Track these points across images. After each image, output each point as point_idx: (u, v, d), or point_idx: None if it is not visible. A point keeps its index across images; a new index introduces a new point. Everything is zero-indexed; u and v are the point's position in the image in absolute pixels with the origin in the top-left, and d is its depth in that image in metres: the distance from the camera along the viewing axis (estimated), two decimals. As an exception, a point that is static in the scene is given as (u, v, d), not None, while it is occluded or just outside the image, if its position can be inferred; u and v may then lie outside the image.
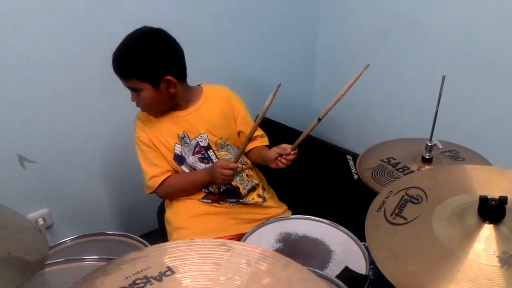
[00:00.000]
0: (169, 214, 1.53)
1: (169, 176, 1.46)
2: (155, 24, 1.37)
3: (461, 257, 0.80)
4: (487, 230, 0.83)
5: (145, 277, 0.66)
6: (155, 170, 1.45)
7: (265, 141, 1.56)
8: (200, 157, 1.47)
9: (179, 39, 1.39)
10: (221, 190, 1.48)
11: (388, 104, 2.10)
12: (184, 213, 1.49)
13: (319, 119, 1.29)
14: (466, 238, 0.83)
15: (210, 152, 1.47)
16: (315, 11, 2.26)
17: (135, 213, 1.95)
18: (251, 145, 1.54)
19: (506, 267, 0.78)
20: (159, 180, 1.45)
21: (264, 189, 1.57)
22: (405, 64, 1.98)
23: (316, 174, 1.85)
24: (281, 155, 1.37)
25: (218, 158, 1.48)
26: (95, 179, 1.89)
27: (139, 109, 1.47)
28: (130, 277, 0.67)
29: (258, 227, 1.33)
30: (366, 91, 2.16)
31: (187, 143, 1.46)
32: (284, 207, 1.59)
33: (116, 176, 1.93)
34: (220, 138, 1.49)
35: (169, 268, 0.68)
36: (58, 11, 1.59)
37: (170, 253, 0.72)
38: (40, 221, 1.80)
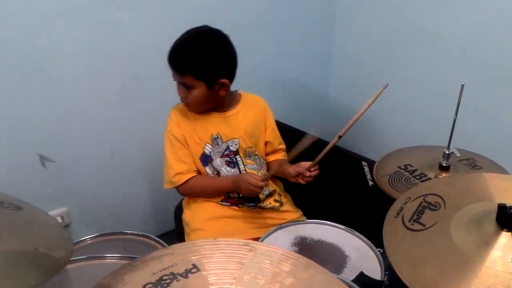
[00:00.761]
0: (187, 215, 1.55)
1: (194, 176, 1.47)
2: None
3: (478, 264, 0.81)
4: (505, 238, 0.84)
5: (172, 273, 0.69)
6: (182, 167, 1.46)
7: (285, 155, 1.59)
8: (228, 161, 1.48)
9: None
10: (241, 196, 1.49)
11: (405, 112, 2.10)
12: (202, 215, 1.51)
13: (340, 137, 1.28)
14: (483, 245, 0.84)
15: (238, 158, 1.49)
16: (331, 19, 2.29)
17: (152, 214, 1.98)
18: (272, 157, 1.58)
19: (523, 274, 0.78)
20: (184, 178, 1.46)
21: (280, 194, 1.59)
22: (423, 72, 1.98)
23: (331, 180, 1.85)
24: (299, 173, 1.35)
25: (244, 165, 1.49)
26: (112, 180, 1.92)
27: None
28: (157, 273, 0.69)
29: (274, 230, 1.34)
30: (382, 99, 2.17)
31: (218, 144, 1.47)
32: (300, 212, 1.60)
33: (133, 177, 1.96)
34: (250, 147, 1.51)
35: (194, 266, 0.70)
36: (80, 15, 1.63)
37: (195, 251, 0.74)
38: (59, 220, 1.83)
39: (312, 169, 1.34)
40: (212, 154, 1.48)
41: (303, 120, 1.92)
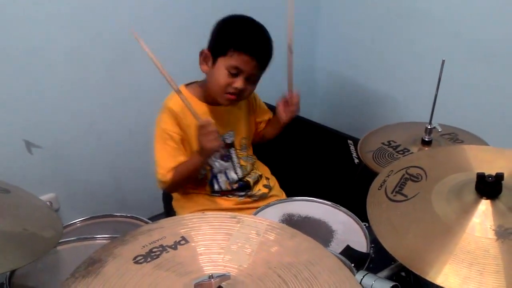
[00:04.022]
0: (178, 208, 1.54)
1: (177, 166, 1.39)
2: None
3: (459, 231, 0.84)
4: (484, 205, 0.87)
5: (161, 246, 0.70)
6: (169, 164, 1.38)
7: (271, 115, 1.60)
8: (221, 154, 1.45)
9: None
10: (234, 188, 1.48)
11: (388, 89, 2.12)
12: (192, 207, 1.48)
13: (290, 49, 1.37)
14: (463, 213, 0.87)
15: (232, 150, 1.48)
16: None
17: (141, 197, 1.99)
18: (263, 126, 1.59)
19: (501, 240, 0.82)
20: (169, 175, 1.38)
21: (268, 178, 1.59)
22: (405, 48, 2.00)
23: (317, 159, 1.89)
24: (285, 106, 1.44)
25: (238, 158, 1.48)
26: (100, 164, 1.92)
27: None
28: (146, 246, 0.70)
29: (261, 208, 1.35)
30: (366, 77, 2.20)
31: None
32: (283, 195, 1.59)
33: (120, 161, 1.96)
34: (244, 138, 1.50)
35: (183, 238, 0.72)
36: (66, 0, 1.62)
37: (184, 225, 0.76)
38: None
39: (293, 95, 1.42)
40: None
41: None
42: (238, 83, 1.31)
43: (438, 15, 1.84)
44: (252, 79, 1.35)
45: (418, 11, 1.91)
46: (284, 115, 1.44)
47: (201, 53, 1.36)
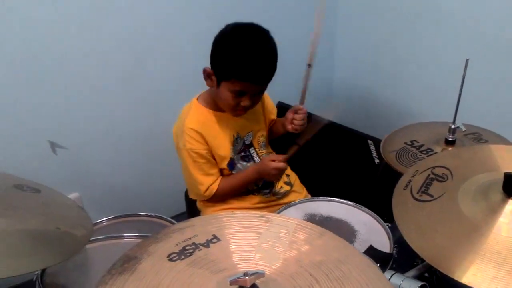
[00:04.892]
0: (203, 208, 1.55)
1: (220, 181, 1.43)
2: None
3: (486, 231, 0.84)
4: (511, 205, 0.87)
5: (194, 243, 0.72)
6: (210, 180, 1.42)
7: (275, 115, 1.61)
8: (243, 155, 1.47)
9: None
10: (259, 186, 1.49)
11: (410, 89, 2.11)
12: (219, 206, 1.50)
13: (309, 65, 1.36)
14: (490, 213, 0.87)
15: (252, 150, 1.49)
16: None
17: (162, 197, 2.01)
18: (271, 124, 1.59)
19: (529, 239, 0.81)
20: (215, 188, 1.42)
21: (288, 175, 1.61)
22: (428, 47, 1.99)
23: (337, 159, 1.89)
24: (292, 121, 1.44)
25: (259, 156, 1.49)
26: (122, 165, 1.95)
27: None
28: (180, 244, 0.72)
29: (284, 208, 1.36)
30: (387, 77, 2.19)
31: (237, 143, 1.45)
32: (305, 191, 1.61)
33: (140, 161, 1.99)
34: (262, 136, 1.51)
35: (215, 236, 0.74)
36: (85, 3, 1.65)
37: (214, 224, 0.77)
38: (71, 205, 1.87)
39: (299, 111, 1.41)
40: (233, 155, 1.45)
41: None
42: (245, 102, 1.33)
43: (459, 14, 1.83)
44: (259, 93, 1.37)
45: (437, 12, 1.90)
46: (289, 125, 1.44)
47: (204, 71, 1.36)
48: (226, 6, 1.94)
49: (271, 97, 1.59)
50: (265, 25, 1.32)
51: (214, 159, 1.43)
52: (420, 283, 0.84)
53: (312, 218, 1.32)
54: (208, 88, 1.41)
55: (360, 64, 2.32)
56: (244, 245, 0.73)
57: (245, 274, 0.62)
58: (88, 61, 1.73)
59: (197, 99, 1.44)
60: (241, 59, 1.27)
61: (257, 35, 1.31)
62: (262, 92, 1.38)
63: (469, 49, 1.79)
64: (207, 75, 1.36)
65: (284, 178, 1.57)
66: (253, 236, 0.75)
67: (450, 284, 0.82)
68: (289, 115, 1.44)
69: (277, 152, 1.58)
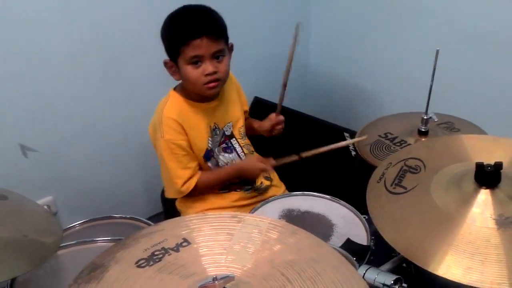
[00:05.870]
0: (183, 209, 1.52)
1: (199, 176, 1.40)
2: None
3: (459, 222, 0.85)
4: (484, 195, 0.88)
5: (163, 248, 0.70)
6: (188, 173, 1.37)
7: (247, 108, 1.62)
8: (224, 147, 1.45)
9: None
10: (241, 180, 1.48)
11: (383, 80, 2.12)
12: (201, 206, 1.47)
13: (285, 85, 1.44)
14: (463, 204, 0.88)
15: (233, 141, 1.47)
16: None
17: (139, 197, 1.98)
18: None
19: (502, 229, 0.82)
20: (193, 183, 1.38)
21: None
22: (399, 39, 1.99)
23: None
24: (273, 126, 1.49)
25: (241, 147, 1.48)
26: (97, 166, 1.91)
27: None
28: (148, 249, 0.70)
29: (261, 205, 1.35)
30: (361, 70, 2.19)
31: (216, 134, 1.43)
32: (283, 187, 1.61)
33: (117, 162, 1.95)
34: (242, 126, 1.49)
35: (185, 240, 0.72)
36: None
37: (185, 226, 0.75)
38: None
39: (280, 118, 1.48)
40: (212, 146, 1.42)
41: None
42: (206, 67, 1.28)
43: (429, 4, 1.84)
44: (217, 55, 1.30)
45: (410, 2, 1.91)
46: (268, 134, 1.52)
47: (165, 64, 1.34)
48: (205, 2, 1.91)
49: (247, 92, 1.57)
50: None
51: (193, 151, 1.40)
52: (394, 277, 0.84)
53: (290, 214, 1.32)
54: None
55: (335, 55, 2.31)
56: (215, 247, 0.71)
57: (214, 278, 0.60)
58: (60, 60, 1.67)
59: (174, 89, 1.42)
60: (177, 24, 1.28)
61: (188, 5, 1.32)
62: (220, 53, 1.30)
63: (439, 39, 1.80)
64: (168, 67, 1.34)
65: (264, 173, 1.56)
66: (225, 238, 0.73)
67: (427, 273, 0.82)
68: (267, 126, 1.50)
69: (257, 150, 1.59)
